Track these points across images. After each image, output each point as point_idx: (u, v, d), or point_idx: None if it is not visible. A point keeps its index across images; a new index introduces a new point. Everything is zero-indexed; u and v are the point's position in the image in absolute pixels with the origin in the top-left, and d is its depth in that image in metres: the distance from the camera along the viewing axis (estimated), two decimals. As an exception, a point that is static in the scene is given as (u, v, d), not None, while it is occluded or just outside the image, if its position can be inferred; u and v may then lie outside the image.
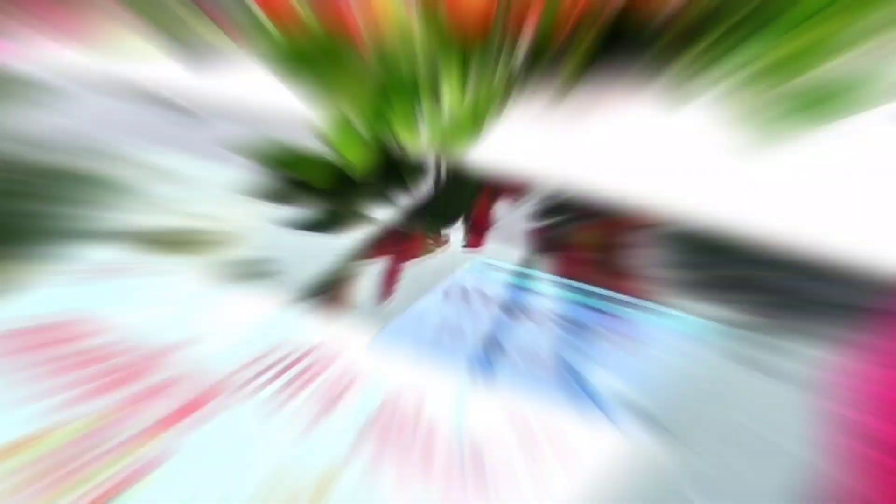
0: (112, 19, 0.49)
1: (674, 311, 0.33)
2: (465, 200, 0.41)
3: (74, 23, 0.52)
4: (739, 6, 0.41)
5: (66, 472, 0.28)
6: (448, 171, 0.40)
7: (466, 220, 0.41)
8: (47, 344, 0.35)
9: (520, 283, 0.36)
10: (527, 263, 0.37)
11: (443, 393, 0.31)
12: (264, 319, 0.35)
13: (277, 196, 0.42)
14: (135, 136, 0.49)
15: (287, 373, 0.33)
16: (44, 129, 0.51)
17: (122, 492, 0.27)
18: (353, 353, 0.33)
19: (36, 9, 0.53)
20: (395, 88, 0.36)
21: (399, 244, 0.39)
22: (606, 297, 0.35)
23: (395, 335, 0.34)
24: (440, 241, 0.39)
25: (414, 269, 0.38)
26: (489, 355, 0.32)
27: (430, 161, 0.41)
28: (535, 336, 0.33)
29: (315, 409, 0.30)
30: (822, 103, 0.36)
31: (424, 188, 0.41)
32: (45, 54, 0.52)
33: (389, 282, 0.37)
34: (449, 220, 0.40)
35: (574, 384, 0.31)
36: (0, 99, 0.53)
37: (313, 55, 0.36)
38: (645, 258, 0.36)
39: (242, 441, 0.29)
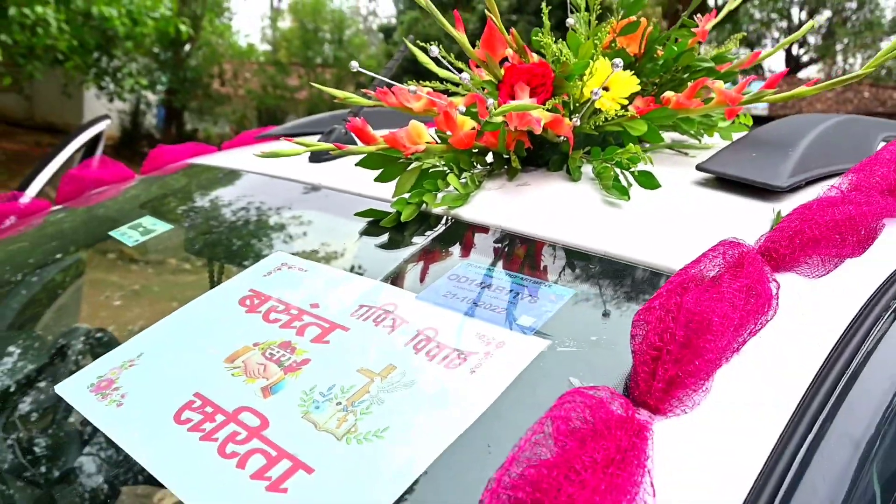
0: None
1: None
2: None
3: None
4: (601, 136, 0.77)
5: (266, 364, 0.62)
6: (448, 220, 0.75)
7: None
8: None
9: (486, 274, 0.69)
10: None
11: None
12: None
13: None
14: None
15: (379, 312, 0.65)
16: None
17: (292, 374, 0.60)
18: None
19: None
20: (425, 176, 0.71)
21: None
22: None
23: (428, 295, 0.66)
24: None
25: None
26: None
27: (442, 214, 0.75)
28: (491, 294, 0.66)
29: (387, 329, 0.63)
30: (642, 177, 0.71)
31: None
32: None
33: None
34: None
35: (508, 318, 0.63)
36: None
37: (385, 160, 0.71)
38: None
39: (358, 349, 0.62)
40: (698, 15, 0.83)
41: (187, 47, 15.85)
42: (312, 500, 0.46)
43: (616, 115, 0.72)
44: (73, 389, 0.62)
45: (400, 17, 13.20)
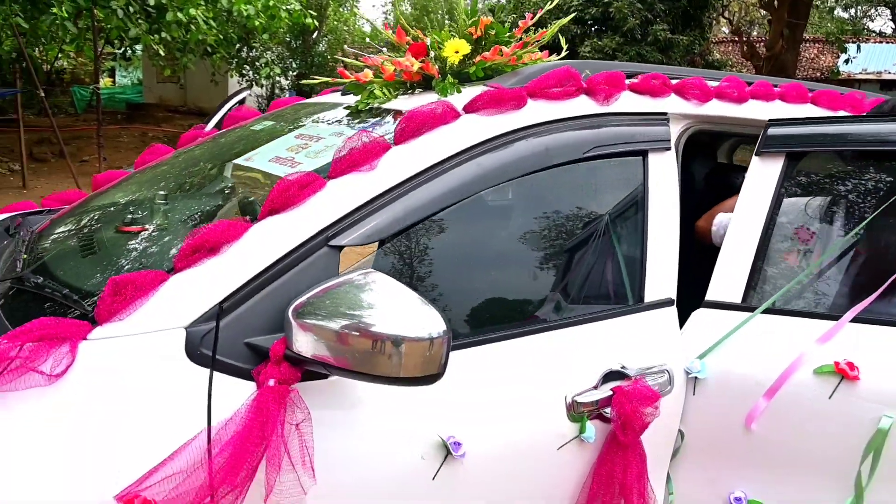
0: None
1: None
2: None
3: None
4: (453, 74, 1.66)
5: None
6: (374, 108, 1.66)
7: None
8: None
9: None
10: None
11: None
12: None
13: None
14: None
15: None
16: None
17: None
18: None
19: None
20: (370, 92, 1.63)
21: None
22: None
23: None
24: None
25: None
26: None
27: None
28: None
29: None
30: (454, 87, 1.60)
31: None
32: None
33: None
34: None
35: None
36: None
37: (357, 86, 1.64)
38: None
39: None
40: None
41: (315, 35, 17.53)
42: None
43: (458, 63, 1.60)
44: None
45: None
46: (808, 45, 18.60)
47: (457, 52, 1.59)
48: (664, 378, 1.45)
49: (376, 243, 1.22)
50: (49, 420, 0.95)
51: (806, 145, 1.56)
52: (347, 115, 1.62)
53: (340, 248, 1.18)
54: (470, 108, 1.41)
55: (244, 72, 14.06)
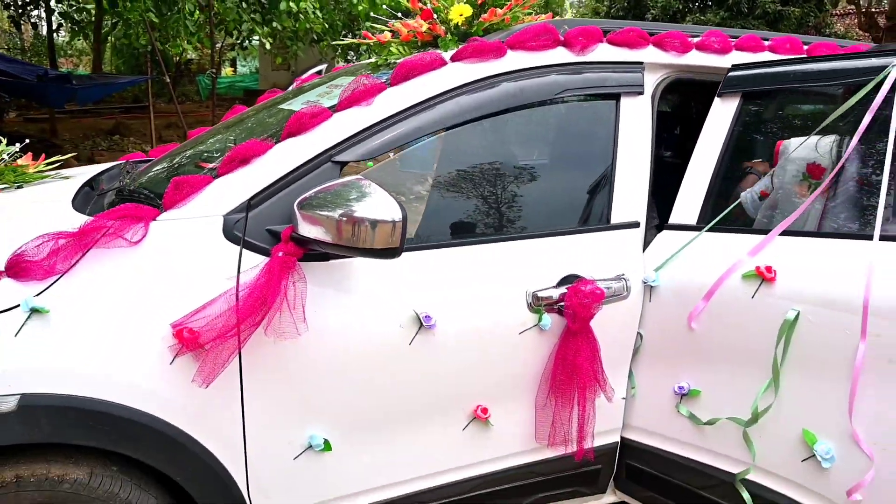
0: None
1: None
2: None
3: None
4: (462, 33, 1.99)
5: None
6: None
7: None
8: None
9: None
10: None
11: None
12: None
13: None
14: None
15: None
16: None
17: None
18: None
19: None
20: (389, 50, 1.98)
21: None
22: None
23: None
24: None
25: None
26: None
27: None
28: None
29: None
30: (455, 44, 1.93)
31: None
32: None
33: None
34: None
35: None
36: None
37: (380, 46, 2.00)
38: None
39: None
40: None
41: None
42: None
43: (463, 24, 1.92)
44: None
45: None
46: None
47: (461, 15, 1.91)
48: (620, 284, 1.72)
49: (370, 160, 1.58)
50: (131, 270, 1.39)
51: (757, 85, 1.76)
52: (370, 71, 1.99)
53: (341, 163, 1.54)
54: (456, 57, 1.73)
55: (349, 57, 14.84)
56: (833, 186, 1.69)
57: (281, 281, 1.38)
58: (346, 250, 1.37)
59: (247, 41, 13.98)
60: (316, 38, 12.34)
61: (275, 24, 10.38)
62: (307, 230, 1.39)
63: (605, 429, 1.81)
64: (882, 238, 1.43)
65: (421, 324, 1.53)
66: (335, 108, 1.62)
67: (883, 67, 1.53)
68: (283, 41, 11.51)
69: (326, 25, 12.12)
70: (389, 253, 1.37)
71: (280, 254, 1.41)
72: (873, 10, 13.69)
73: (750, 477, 1.63)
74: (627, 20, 2.13)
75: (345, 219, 1.35)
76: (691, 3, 13.60)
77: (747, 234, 1.65)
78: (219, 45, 13.77)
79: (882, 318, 1.38)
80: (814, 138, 1.75)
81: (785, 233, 1.58)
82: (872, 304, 1.38)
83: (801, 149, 1.78)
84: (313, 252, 1.45)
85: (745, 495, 1.63)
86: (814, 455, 1.49)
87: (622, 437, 1.84)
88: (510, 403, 1.69)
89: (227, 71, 21.82)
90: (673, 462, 1.75)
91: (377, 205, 1.36)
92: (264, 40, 10.50)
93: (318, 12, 11.24)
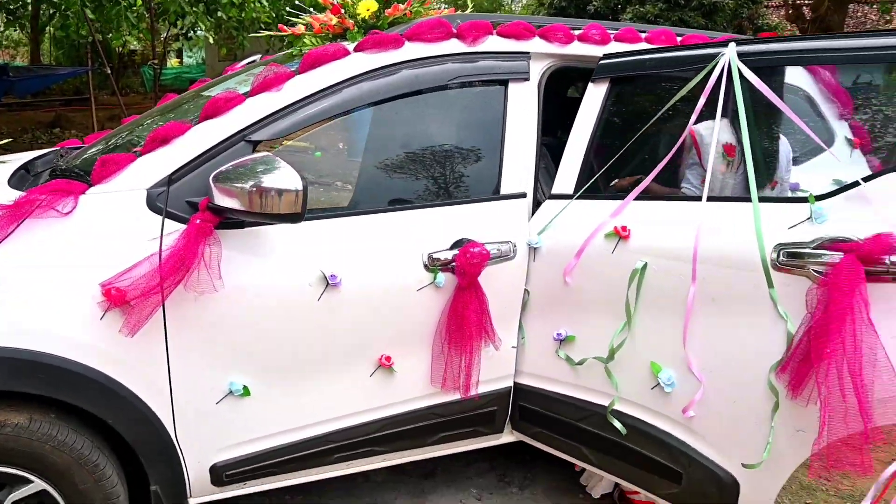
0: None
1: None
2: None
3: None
4: (368, 26, 2.21)
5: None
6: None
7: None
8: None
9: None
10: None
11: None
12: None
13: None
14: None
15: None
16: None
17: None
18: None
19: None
20: (302, 42, 2.19)
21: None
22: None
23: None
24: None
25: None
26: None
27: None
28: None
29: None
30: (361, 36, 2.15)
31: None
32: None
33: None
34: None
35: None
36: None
37: (295, 38, 2.21)
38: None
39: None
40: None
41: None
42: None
43: (370, 18, 2.14)
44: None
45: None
46: (856, 6, 17.86)
47: (368, 10, 2.13)
48: (508, 247, 1.97)
49: (280, 139, 1.79)
50: (63, 238, 1.57)
51: (622, 71, 2.03)
52: (282, 61, 2.20)
53: (253, 142, 1.75)
54: (359, 48, 1.95)
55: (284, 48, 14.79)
56: (687, 160, 1.98)
57: (198, 244, 1.59)
58: (257, 216, 1.58)
59: (191, 32, 13.85)
60: (263, 27, 12.32)
61: (220, 13, 10.35)
62: (222, 200, 1.59)
63: (499, 375, 2.07)
64: (710, 199, 1.71)
65: (328, 282, 1.76)
66: (248, 94, 1.82)
67: (715, 56, 1.81)
68: (228, 31, 11.47)
69: (273, 15, 12.12)
70: (293, 217, 1.59)
71: (198, 221, 1.61)
72: (799, 2, 14.34)
73: (618, 407, 1.91)
74: (566, 14, 2.38)
75: (255, 189, 1.56)
76: (632, -5, 14.01)
77: (612, 201, 1.92)
78: (163, 36, 13.60)
79: (708, 264, 1.67)
80: (719, 121, 1.99)
81: (639, 197, 1.85)
82: (700, 253, 1.66)
83: (712, 132, 1.99)
84: (230, 220, 1.65)
85: (618, 424, 1.90)
86: (659, 383, 1.77)
87: (515, 382, 2.10)
88: (411, 352, 1.93)
89: (173, 62, 21.47)
90: (556, 400, 2.02)
91: (282, 177, 1.57)
92: (207, 35, 10.45)
93: (263, 1, 11.22)
